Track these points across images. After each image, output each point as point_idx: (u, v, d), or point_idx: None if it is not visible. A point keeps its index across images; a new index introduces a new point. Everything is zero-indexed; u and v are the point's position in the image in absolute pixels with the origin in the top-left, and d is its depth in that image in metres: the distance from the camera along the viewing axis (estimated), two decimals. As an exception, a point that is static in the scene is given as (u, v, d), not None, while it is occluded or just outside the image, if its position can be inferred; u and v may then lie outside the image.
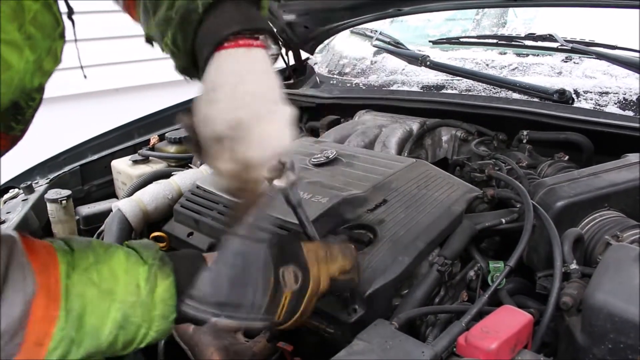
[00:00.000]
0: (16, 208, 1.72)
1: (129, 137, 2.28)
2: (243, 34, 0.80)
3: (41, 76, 0.75)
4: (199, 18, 0.82)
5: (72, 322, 0.72)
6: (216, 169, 0.81)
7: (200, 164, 1.88)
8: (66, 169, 2.03)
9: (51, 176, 1.97)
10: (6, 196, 1.86)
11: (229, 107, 0.78)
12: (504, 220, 1.23)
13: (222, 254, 0.82)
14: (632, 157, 1.28)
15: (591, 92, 1.71)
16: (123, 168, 2.00)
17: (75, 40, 0.94)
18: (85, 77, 1.01)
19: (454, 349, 0.87)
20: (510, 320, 0.86)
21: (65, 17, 0.81)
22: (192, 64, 0.90)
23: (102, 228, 1.59)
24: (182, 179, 1.69)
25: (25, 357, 0.70)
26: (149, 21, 0.93)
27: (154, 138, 2.24)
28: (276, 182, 0.88)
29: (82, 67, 0.98)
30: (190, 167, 1.90)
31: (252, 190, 0.81)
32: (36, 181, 1.93)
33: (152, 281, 0.80)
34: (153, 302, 0.80)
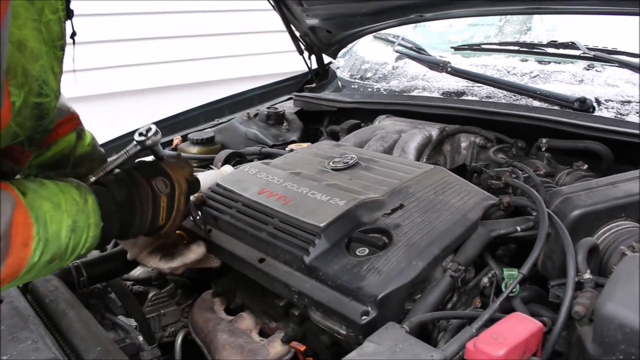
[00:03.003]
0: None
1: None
2: None
3: (53, 77, 0.95)
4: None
5: (42, 227, 0.91)
6: None
7: (222, 165, 1.91)
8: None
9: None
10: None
11: None
12: (519, 228, 1.23)
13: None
14: (652, 168, 1.27)
15: (613, 101, 1.69)
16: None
17: (74, 43, 1.13)
18: (75, 81, 1.22)
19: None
20: (520, 327, 0.86)
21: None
22: None
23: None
24: (204, 180, 1.72)
25: (15, 259, 0.88)
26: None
27: (177, 138, 2.28)
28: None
29: (74, 71, 1.17)
30: (212, 168, 1.93)
31: None
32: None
33: (84, 195, 1.01)
34: (87, 211, 1.01)
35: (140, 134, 1.26)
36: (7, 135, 0.90)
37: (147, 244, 1.33)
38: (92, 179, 1.19)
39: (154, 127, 1.27)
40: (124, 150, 1.25)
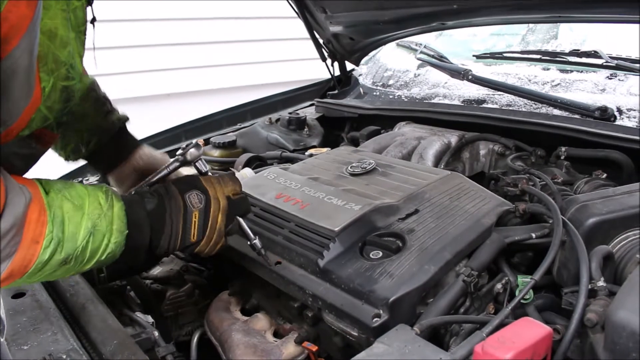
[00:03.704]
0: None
1: (177, 139, 2.38)
2: None
3: (79, 60, 1.02)
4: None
5: (57, 226, 0.92)
6: None
7: (242, 168, 1.94)
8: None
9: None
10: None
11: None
12: (534, 235, 1.23)
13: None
14: (671, 177, 1.26)
15: (635, 110, 1.68)
16: (169, 169, 2.08)
17: (94, 27, 1.16)
18: (95, 64, 1.23)
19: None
20: (528, 332, 0.86)
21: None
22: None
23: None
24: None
25: (23, 254, 0.89)
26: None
27: (201, 141, 2.32)
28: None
29: (94, 49, 1.17)
30: (232, 171, 1.96)
31: None
32: (87, 178, 2.03)
33: (110, 201, 1.02)
34: (112, 217, 1.01)
35: (182, 149, 1.26)
36: (38, 119, 0.96)
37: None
38: (133, 190, 1.22)
39: (194, 142, 1.27)
40: (165, 165, 1.27)
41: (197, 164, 1.26)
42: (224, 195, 1.18)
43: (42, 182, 0.96)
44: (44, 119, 0.98)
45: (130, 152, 1.41)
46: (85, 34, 1.05)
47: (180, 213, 1.12)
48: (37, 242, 0.90)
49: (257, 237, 1.27)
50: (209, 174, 1.26)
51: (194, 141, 1.28)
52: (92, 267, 1.03)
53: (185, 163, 1.25)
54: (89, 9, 1.07)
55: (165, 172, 1.26)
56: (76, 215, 0.96)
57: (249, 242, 1.27)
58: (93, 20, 1.12)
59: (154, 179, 1.26)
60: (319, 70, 2.77)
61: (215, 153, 2.21)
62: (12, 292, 1.28)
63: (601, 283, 1.01)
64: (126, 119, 1.44)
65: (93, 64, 1.22)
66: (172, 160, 1.27)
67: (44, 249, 0.91)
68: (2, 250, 0.86)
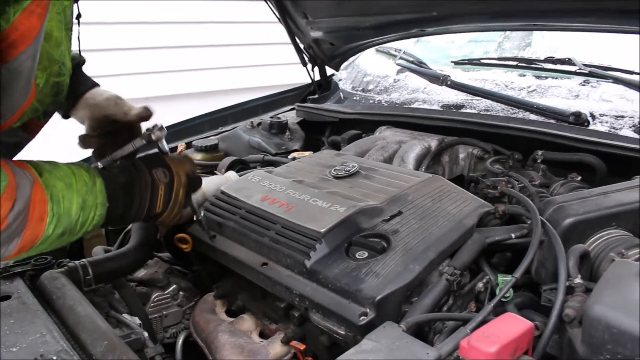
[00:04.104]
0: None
1: (157, 143, 2.36)
2: None
3: (69, 57, 1.10)
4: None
5: (55, 204, 1.01)
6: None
7: (225, 171, 1.95)
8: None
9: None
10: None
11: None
12: (513, 235, 1.27)
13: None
14: (642, 179, 1.31)
15: (607, 116, 1.74)
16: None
17: (79, 24, 1.24)
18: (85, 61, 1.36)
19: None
20: (511, 326, 0.90)
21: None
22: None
23: (129, 227, 1.67)
24: (207, 185, 1.76)
25: (31, 232, 0.98)
26: None
27: (181, 145, 2.33)
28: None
29: (79, 51, 1.31)
30: (216, 174, 1.97)
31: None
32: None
33: (92, 177, 1.11)
34: (95, 192, 1.11)
35: (147, 129, 1.36)
36: (29, 111, 1.04)
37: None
38: (100, 165, 1.29)
39: (159, 124, 1.38)
40: (131, 143, 1.34)
41: (159, 144, 1.38)
42: (184, 173, 1.31)
43: (33, 164, 1.03)
44: (34, 111, 1.06)
45: (85, 91, 1.42)
46: (72, 30, 1.14)
47: (148, 186, 1.24)
48: (42, 220, 0.99)
49: (202, 212, 1.47)
50: (169, 154, 1.40)
51: (158, 123, 1.39)
52: (79, 237, 1.14)
53: (149, 142, 1.36)
54: (75, 6, 1.15)
55: (130, 149, 1.35)
56: (68, 192, 1.05)
57: (195, 218, 1.45)
58: (78, 17, 1.18)
59: (122, 154, 1.34)
60: (299, 74, 2.80)
61: (198, 156, 2.22)
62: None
63: (578, 280, 1.05)
64: (81, 60, 1.44)
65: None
66: (137, 138, 1.36)
67: (47, 225, 1.00)
68: (15, 229, 0.94)
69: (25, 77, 0.93)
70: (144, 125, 1.39)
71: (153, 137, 1.35)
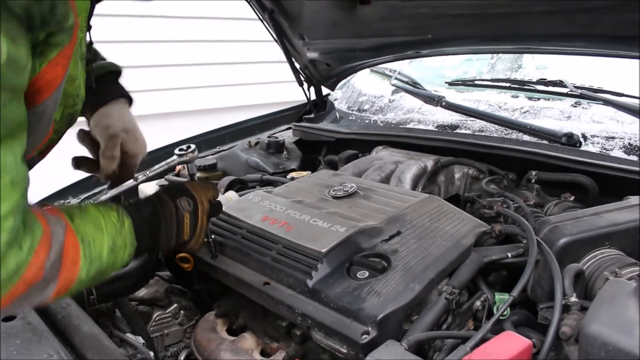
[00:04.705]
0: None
1: (156, 162, 2.38)
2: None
3: (84, 87, 1.16)
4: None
5: (87, 247, 1.03)
6: (108, 158, 1.41)
7: (225, 192, 1.98)
8: (96, 190, 2.14)
9: (82, 196, 2.09)
10: (40, 214, 1.98)
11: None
12: (509, 255, 1.30)
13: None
14: (633, 200, 1.35)
15: (598, 137, 1.79)
16: (150, 192, 2.11)
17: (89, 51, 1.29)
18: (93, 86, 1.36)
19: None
20: (511, 344, 0.93)
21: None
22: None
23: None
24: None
25: (66, 276, 0.98)
26: None
27: (180, 165, 2.35)
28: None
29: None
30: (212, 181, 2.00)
31: (130, 171, 1.48)
32: (68, 201, 2.04)
33: (121, 219, 1.13)
34: (125, 233, 1.13)
35: (181, 149, 1.47)
36: (47, 142, 1.09)
37: None
38: (140, 178, 1.45)
39: (193, 146, 1.48)
40: (165, 162, 1.46)
41: (189, 165, 1.48)
42: (207, 199, 1.33)
43: (64, 210, 1.06)
44: (52, 141, 1.11)
45: (106, 102, 1.47)
46: (85, 58, 1.18)
47: (173, 216, 1.26)
48: (75, 264, 1.01)
49: (212, 235, 1.49)
50: (195, 178, 1.51)
51: (191, 145, 1.49)
52: (108, 276, 1.16)
53: (182, 162, 1.48)
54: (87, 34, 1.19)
55: (164, 167, 1.45)
56: (98, 235, 1.07)
57: (205, 239, 1.41)
58: (90, 44, 1.22)
59: (155, 172, 1.46)
60: (295, 92, 2.84)
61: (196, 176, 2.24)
62: (1, 316, 1.28)
63: (574, 299, 1.08)
64: (112, 68, 1.50)
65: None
66: (171, 158, 1.49)
67: (81, 269, 1.02)
68: (51, 275, 0.95)
69: (48, 117, 1.00)
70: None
71: (185, 158, 1.44)
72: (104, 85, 1.43)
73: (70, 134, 1.45)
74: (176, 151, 1.46)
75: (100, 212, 1.10)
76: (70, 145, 1.42)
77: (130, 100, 1.52)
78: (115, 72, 1.49)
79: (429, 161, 1.96)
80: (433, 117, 2.30)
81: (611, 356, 0.89)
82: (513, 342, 0.94)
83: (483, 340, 1.02)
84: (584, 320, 0.96)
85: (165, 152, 2.42)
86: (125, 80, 1.54)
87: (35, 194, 1.98)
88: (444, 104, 2.26)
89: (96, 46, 1.35)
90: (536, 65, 2.44)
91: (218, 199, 1.39)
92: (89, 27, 1.18)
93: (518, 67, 2.47)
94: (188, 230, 1.28)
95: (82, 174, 2.18)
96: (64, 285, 0.99)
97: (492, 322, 1.08)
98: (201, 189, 1.33)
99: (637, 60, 1.67)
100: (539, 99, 2.11)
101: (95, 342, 1.19)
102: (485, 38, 2.05)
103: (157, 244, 1.25)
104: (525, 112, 2.06)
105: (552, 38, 1.85)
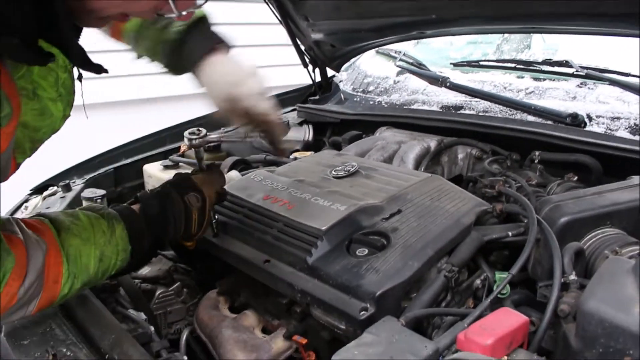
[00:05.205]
0: (55, 204, 1.85)
1: (161, 143, 2.40)
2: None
3: (63, 120, 1.13)
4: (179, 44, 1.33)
5: (71, 264, 1.05)
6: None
7: (228, 171, 1.98)
8: (101, 170, 2.16)
9: (87, 177, 2.10)
10: (46, 193, 2.00)
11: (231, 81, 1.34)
12: (510, 233, 1.30)
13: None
14: (636, 179, 1.34)
15: (603, 117, 1.77)
16: (154, 172, 2.12)
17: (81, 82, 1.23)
18: (86, 117, 1.33)
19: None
20: (507, 320, 0.93)
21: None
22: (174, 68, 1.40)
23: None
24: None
25: (47, 294, 1.02)
26: (137, 48, 1.45)
27: (184, 145, 2.35)
28: None
29: (84, 106, 1.28)
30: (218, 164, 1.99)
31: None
32: (73, 180, 2.05)
33: (111, 226, 1.15)
34: (116, 240, 1.15)
35: (192, 133, 1.46)
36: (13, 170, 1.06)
37: None
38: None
39: (203, 130, 1.48)
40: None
41: (199, 149, 1.48)
42: (214, 192, 1.37)
43: (52, 221, 1.08)
44: (18, 166, 1.08)
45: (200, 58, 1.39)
46: (74, 93, 1.17)
47: (182, 213, 1.28)
48: (56, 282, 1.03)
49: (216, 216, 1.49)
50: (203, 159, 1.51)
51: (203, 130, 1.48)
52: (103, 280, 1.21)
53: (192, 146, 1.47)
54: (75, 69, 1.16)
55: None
56: (85, 248, 1.09)
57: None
58: (80, 78, 1.19)
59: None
60: (301, 75, 2.83)
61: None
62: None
63: (573, 277, 1.08)
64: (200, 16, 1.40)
65: (84, 117, 1.32)
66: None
67: (63, 286, 1.04)
68: (30, 295, 0.99)
69: (4, 163, 0.95)
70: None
71: (196, 141, 1.44)
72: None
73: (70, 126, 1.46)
74: (186, 134, 1.46)
75: (90, 221, 1.13)
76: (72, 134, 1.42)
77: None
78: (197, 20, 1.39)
79: (432, 141, 1.96)
80: (437, 98, 2.29)
81: (608, 333, 0.88)
82: (509, 317, 0.94)
83: (481, 317, 1.02)
84: (582, 297, 0.95)
85: (171, 132, 2.43)
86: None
87: (41, 175, 2.02)
88: (448, 84, 2.24)
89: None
90: (545, 47, 2.42)
91: (224, 186, 1.43)
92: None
93: (525, 47, 2.45)
94: (196, 226, 1.32)
95: (86, 155, 2.21)
96: (47, 301, 1.03)
97: (491, 299, 1.08)
98: (209, 183, 1.36)
99: (644, 39, 1.64)
100: (544, 79, 2.09)
101: (97, 317, 1.20)
102: (489, 18, 2.02)
103: (165, 239, 1.28)
104: (530, 93, 2.05)
105: (556, 17, 1.83)
